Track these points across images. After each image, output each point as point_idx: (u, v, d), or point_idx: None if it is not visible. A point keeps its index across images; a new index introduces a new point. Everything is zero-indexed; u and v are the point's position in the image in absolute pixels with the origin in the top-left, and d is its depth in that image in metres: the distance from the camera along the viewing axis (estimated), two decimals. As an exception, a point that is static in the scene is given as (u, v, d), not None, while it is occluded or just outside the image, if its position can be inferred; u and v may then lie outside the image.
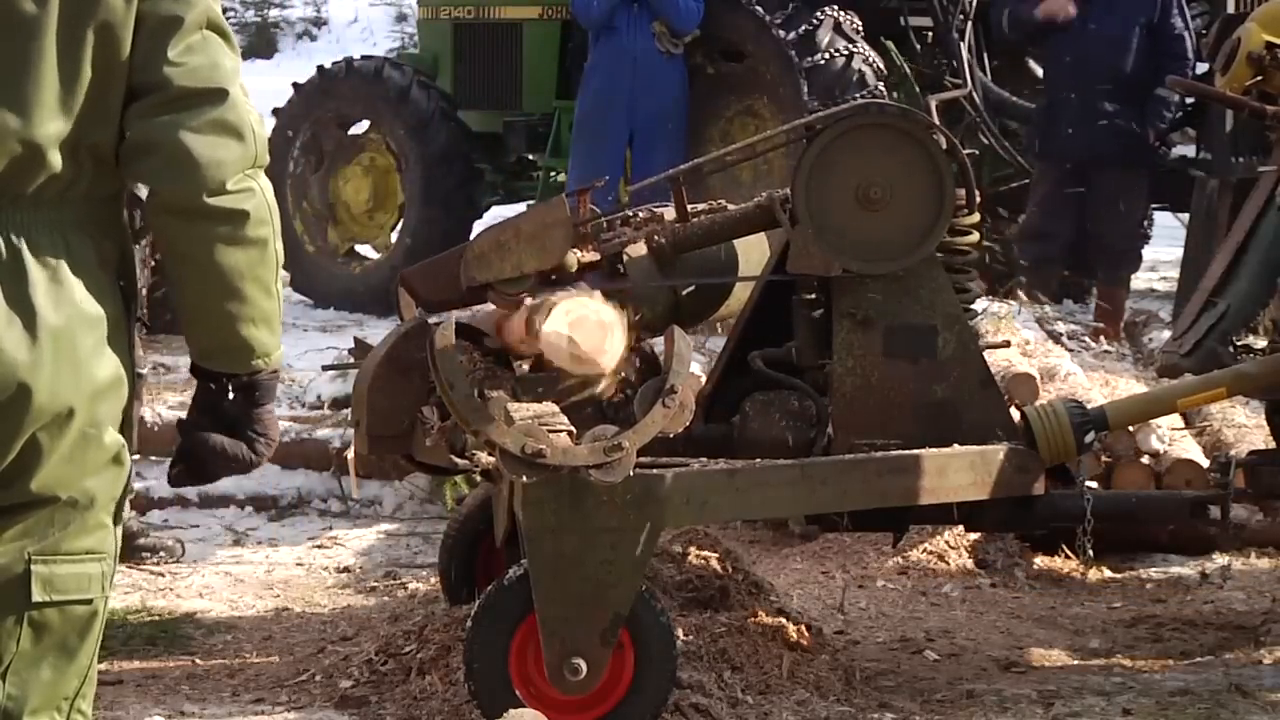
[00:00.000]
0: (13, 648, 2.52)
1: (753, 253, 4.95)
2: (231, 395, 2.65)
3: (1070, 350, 7.97)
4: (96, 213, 2.56)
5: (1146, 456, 6.15)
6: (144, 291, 2.73)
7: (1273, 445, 5.20)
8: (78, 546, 2.55)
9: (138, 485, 4.50)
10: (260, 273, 2.58)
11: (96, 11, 2.48)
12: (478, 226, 11.65)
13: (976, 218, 4.81)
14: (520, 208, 12.32)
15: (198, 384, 2.68)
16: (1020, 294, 9.42)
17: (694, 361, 4.61)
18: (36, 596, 2.52)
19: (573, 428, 4.15)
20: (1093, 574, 5.86)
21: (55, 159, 2.48)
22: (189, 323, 2.62)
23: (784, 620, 4.82)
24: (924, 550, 5.93)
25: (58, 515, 2.53)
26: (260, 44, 25.33)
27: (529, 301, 4.32)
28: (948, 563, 5.91)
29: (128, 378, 2.57)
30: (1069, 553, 5.89)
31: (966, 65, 10.26)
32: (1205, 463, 6.12)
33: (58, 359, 2.47)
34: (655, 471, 4.26)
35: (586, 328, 4.07)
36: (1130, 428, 5.91)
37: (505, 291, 4.47)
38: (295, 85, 11.37)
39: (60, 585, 2.53)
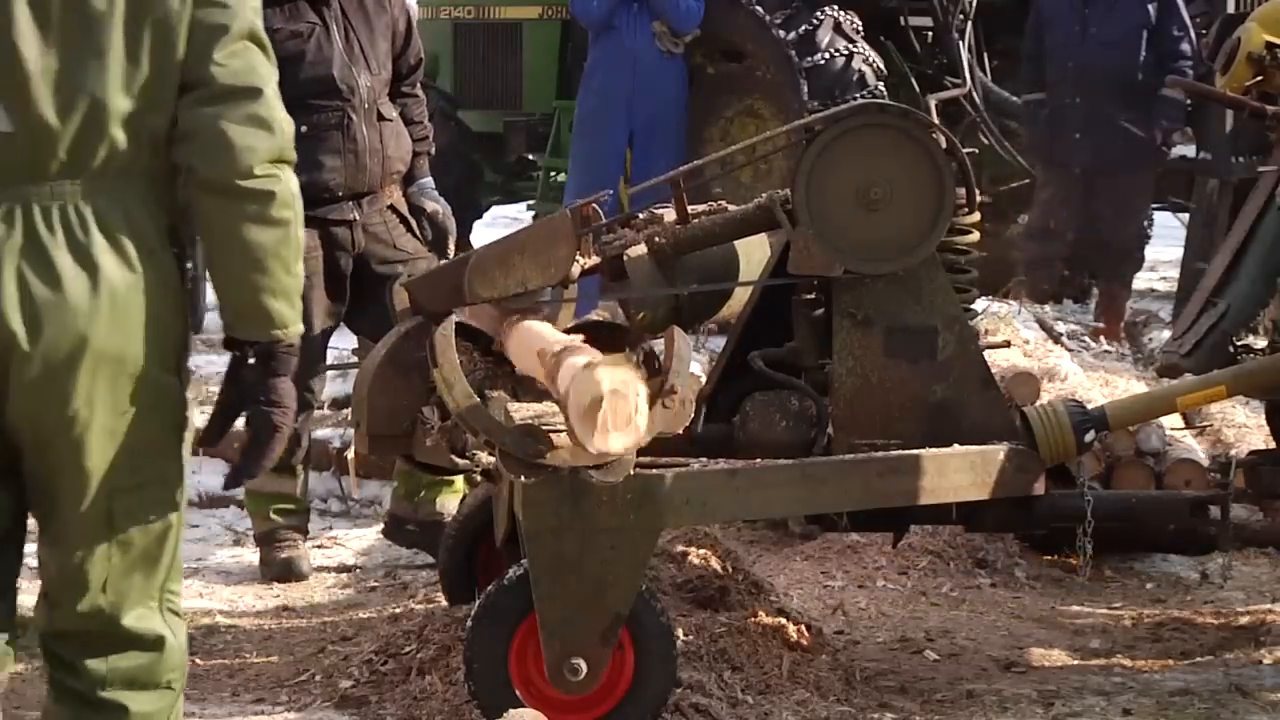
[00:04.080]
0: (106, 566, 2.99)
1: (754, 254, 4.95)
2: (251, 361, 3.00)
3: (1070, 350, 7.97)
4: (154, 188, 2.95)
5: (1147, 456, 6.15)
6: None
7: (1273, 445, 5.20)
8: (149, 476, 2.98)
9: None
10: (282, 251, 2.96)
11: (154, 11, 2.90)
12: (478, 226, 11.66)
13: (977, 217, 4.81)
14: (520, 208, 12.37)
15: (230, 356, 3.05)
16: (1020, 294, 9.43)
17: (694, 361, 4.61)
18: (117, 523, 2.97)
19: (573, 428, 4.14)
20: (1093, 574, 5.85)
21: (119, 136, 2.90)
22: (219, 291, 2.99)
23: (784, 620, 4.82)
24: (924, 550, 5.92)
25: (129, 452, 2.94)
26: (260, 44, 25.31)
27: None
28: (948, 563, 5.91)
29: (179, 330, 2.97)
30: (1069, 553, 5.89)
31: (966, 65, 10.26)
32: (1205, 463, 6.12)
33: (114, 311, 2.88)
34: (655, 471, 4.26)
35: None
36: (1130, 427, 5.91)
37: (509, 307, 4.48)
38: (296, 85, 11.36)
39: (136, 510, 2.98)
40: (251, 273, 2.95)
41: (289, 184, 2.96)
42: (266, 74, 2.98)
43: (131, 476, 2.96)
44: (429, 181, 6.20)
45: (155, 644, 3.06)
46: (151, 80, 2.92)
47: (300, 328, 3.02)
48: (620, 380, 3.75)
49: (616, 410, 3.74)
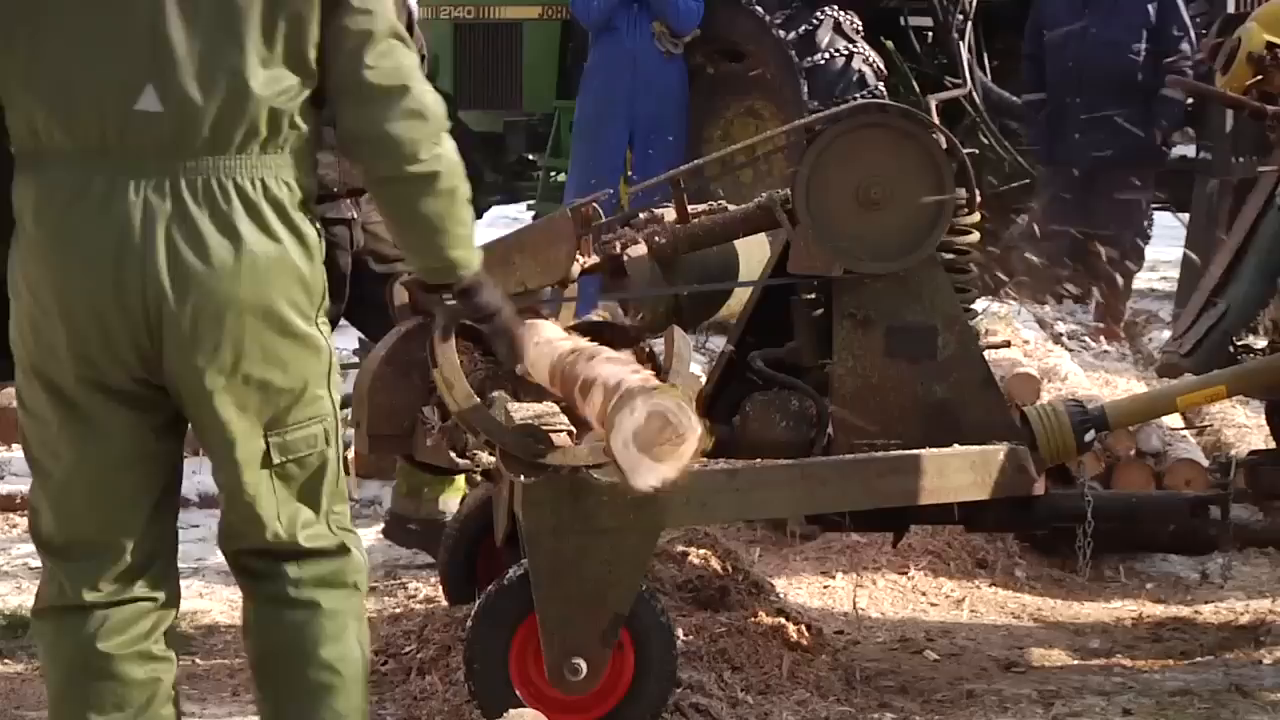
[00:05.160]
0: (274, 500, 3.34)
1: (754, 253, 4.95)
2: (448, 299, 3.51)
3: (1070, 350, 7.97)
4: (290, 162, 3.28)
5: (1147, 456, 6.15)
6: None
7: (1273, 445, 5.20)
8: (301, 416, 3.35)
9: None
10: (454, 211, 3.37)
11: (289, 5, 3.22)
12: (478, 226, 11.65)
13: (977, 217, 4.81)
14: (520, 207, 12.37)
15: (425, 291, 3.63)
16: (1020, 294, 9.42)
17: (694, 361, 4.61)
18: (276, 459, 3.34)
19: (573, 427, 4.14)
20: (1093, 574, 5.85)
21: (257, 115, 3.21)
22: (408, 254, 3.47)
23: (784, 620, 4.82)
24: (924, 550, 5.92)
25: (279, 396, 3.30)
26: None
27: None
28: (948, 563, 5.91)
29: (318, 287, 3.33)
30: (1069, 553, 5.88)
31: (966, 65, 10.26)
32: (1205, 463, 6.12)
33: (255, 273, 3.22)
34: (655, 472, 4.24)
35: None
36: (1130, 427, 5.91)
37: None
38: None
39: (292, 447, 3.35)
40: (433, 237, 3.37)
41: (450, 154, 3.33)
42: (411, 66, 3.32)
43: (284, 417, 3.32)
44: None
45: (338, 551, 3.43)
46: (286, 65, 3.23)
47: (481, 258, 3.47)
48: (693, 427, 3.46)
49: (666, 447, 3.48)
